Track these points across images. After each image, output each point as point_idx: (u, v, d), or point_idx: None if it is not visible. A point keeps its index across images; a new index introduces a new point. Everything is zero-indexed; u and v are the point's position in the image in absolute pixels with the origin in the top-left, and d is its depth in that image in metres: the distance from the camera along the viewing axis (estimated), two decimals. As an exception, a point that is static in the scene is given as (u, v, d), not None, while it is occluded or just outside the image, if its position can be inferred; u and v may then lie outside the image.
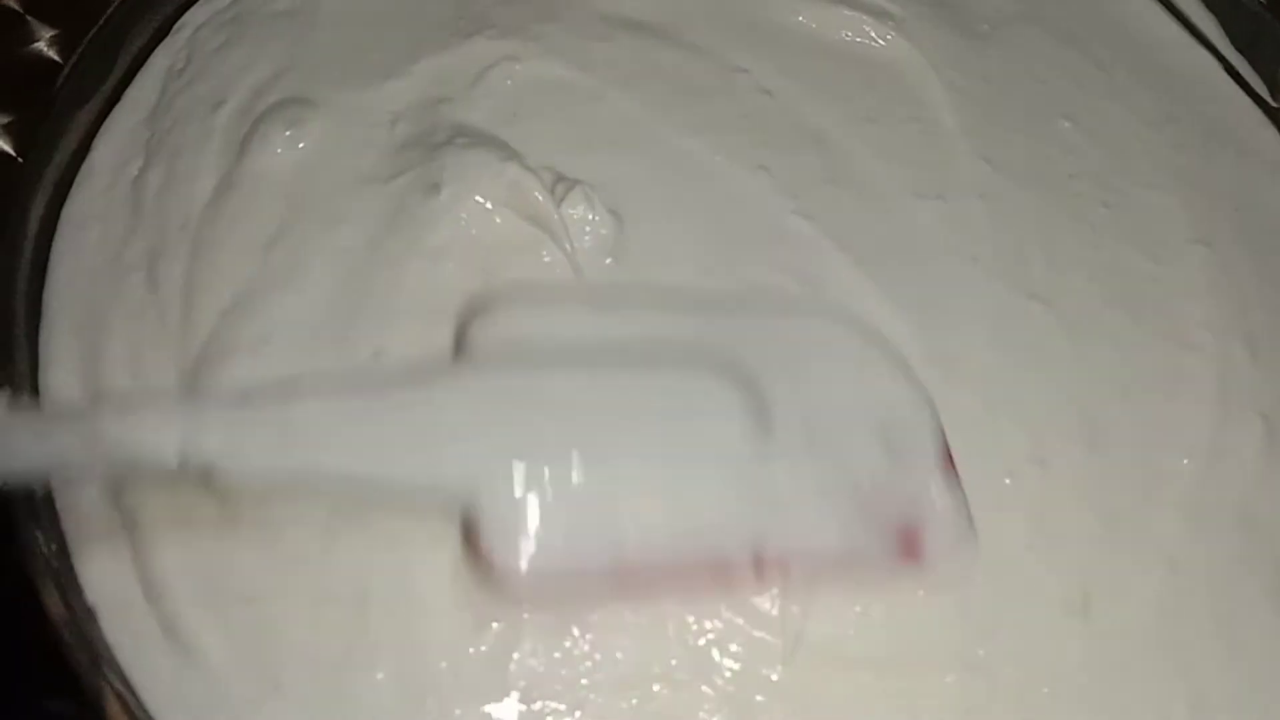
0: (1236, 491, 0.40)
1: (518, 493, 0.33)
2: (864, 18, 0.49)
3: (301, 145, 0.42)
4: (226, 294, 0.38)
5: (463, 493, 0.33)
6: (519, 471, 0.33)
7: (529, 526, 0.33)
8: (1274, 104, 0.50)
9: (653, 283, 0.40)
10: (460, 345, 0.37)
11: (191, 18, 0.46)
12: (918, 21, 0.49)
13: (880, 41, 0.49)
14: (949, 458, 0.37)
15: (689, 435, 0.35)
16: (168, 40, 0.45)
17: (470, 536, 0.34)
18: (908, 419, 0.37)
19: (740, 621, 0.36)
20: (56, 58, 0.55)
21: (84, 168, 0.42)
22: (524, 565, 0.33)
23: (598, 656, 0.35)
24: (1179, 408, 0.42)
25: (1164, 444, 0.41)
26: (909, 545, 0.36)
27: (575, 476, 0.33)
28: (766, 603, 0.36)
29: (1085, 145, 0.48)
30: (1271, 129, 0.50)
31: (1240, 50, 0.52)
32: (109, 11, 0.44)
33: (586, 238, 0.40)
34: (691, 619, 0.36)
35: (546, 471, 0.33)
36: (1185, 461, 0.40)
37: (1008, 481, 0.39)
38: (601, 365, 0.35)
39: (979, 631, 0.37)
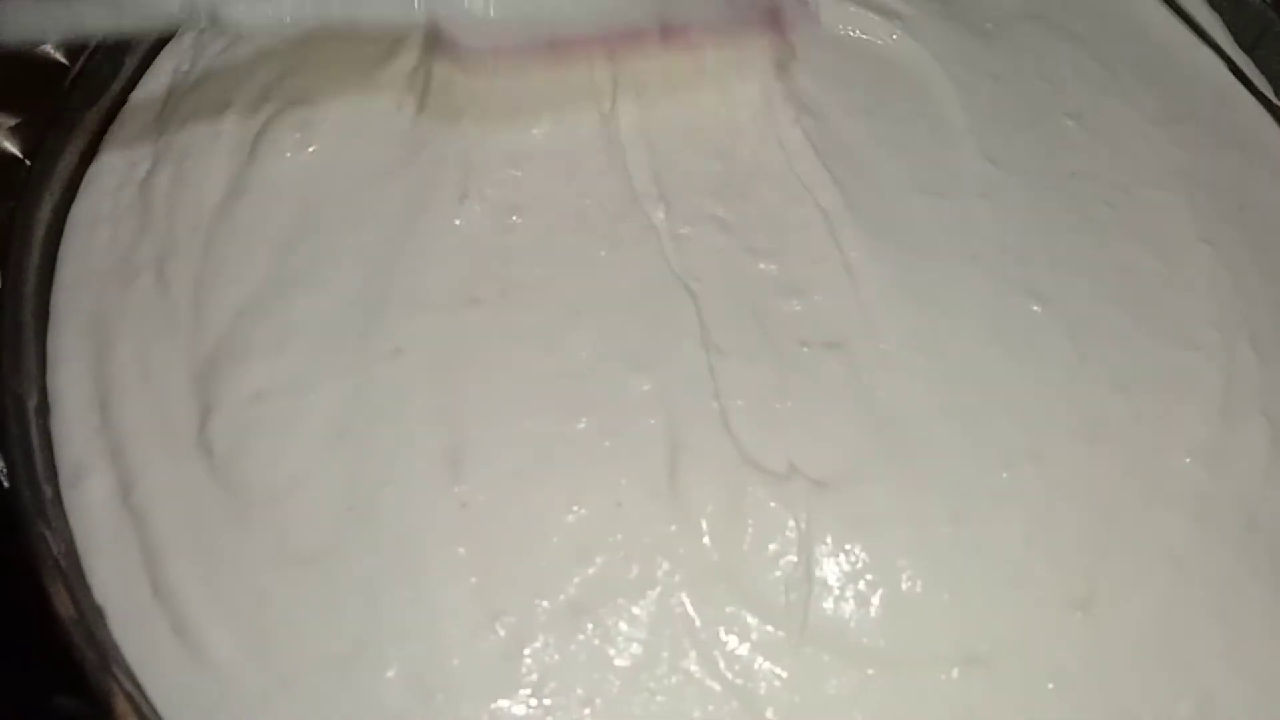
0: (1241, 491, 0.40)
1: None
2: (871, 15, 0.49)
3: (311, 149, 0.42)
4: (241, 295, 0.39)
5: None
6: None
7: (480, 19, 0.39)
8: (1278, 102, 0.51)
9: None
10: None
11: (198, 20, 0.46)
12: (924, 19, 0.50)
13: (887, 39, 0.49)
14: None
15: None
16: (173, 42, 0.46)
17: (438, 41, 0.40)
18: None
19: (747, 616, 0.36)
20: (63, 60, 0.56)
21: (91, 169, 0.43)
22: (484, 43, 0.39)
23: (610, 651, 0.36)
24: (1182, 406, 0.42)
25: (1167, 442, 0.41)
26: (772, 19, 0.45)
27: None
28: (773, 594, 0.36)
29: (1089, 144, 0.48)
30: (1276, 127, 0.50)
31: (1245, 49, 0.52)
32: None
33: None
34: (698, 616, 0.36)
35: None
36: (1188, 460, 0.40)
37: (1005, 475, 0.39)
38: None
39: (980, 626, 0.37)
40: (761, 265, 0.43)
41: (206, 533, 0.35)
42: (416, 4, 0.38)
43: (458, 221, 0.41)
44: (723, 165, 0.45)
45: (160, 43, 0.46)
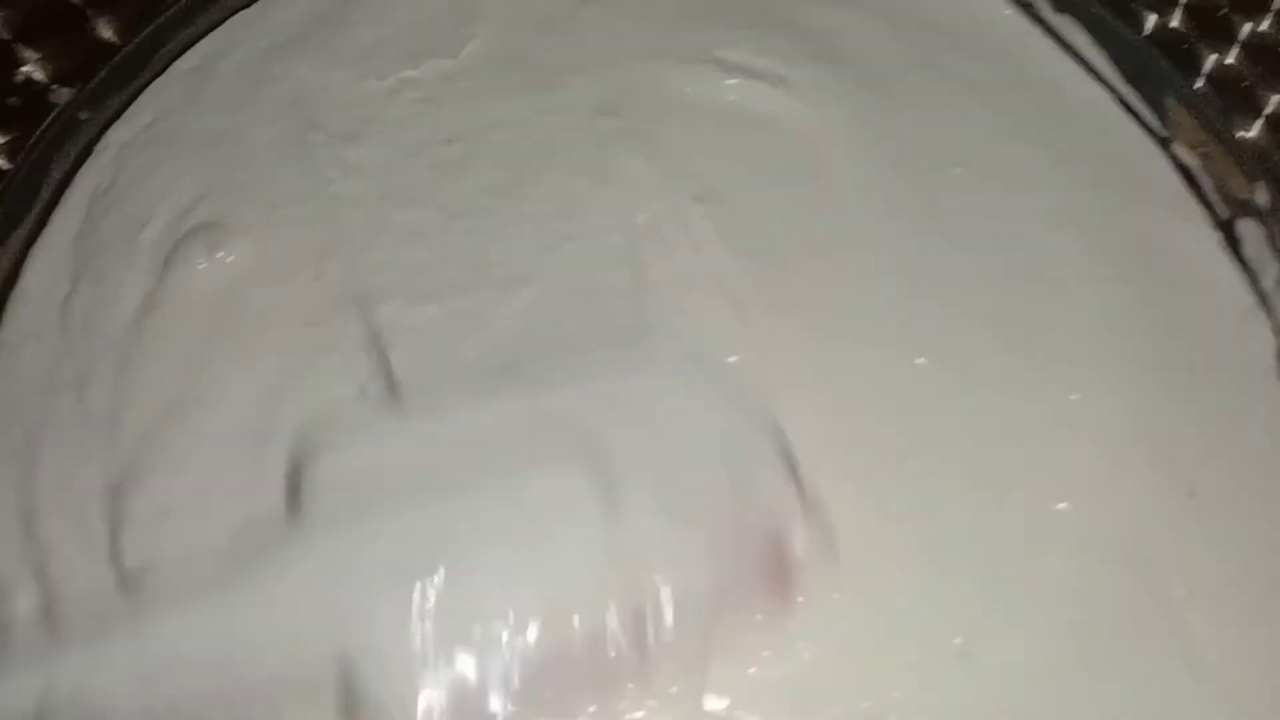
0: (1120, 529, 0.42)
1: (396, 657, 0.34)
2: (754, 83, 0.51)
3: (225, 263, 0.44)
4: (150, 413, 0.41)
5: (335, 665, 0.35)
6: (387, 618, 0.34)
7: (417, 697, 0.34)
8: (1164, 134, 0.52)
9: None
10: (293, 496, 0.39)
11: (115, 137, 0.48)
12: (809, 80, 0.51)
13: (773, 105, 0.51)
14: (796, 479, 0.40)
15: (545, 536, 0.37)
16: (92, 160, 0.48)
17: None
18: (750, 445, 0.40)
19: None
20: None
21: (15, 292, 0.45)
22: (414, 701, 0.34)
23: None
24: (1065, 447, 0.43)
25: (1050, 485, 0.43)
26: (776, 570, 0.39)
27: (444, 617, 0.34)
28: (668, 683, 0.38)
29: (982, 189, 0.50)
30: (1164, 159, 0.52)
31: (1130, 82, 0.53)
32: (36, 135, 0.47)
33: None
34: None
35: (418, 631, 0.34)
36: (1069, 504, 0.42)
37: (893, 533, 0.41)
38: (443, 486, 0.37)
39: (867, 682, 0.39)
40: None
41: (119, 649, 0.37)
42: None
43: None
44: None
45: (79, 161, 0.48)
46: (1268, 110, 0.57)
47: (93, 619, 0.37)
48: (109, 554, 0.39)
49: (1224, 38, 0.58)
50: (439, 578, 0.35)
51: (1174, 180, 0.51)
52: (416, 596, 0.35)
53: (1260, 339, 0.47)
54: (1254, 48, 0.58)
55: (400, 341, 0.42)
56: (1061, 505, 0.42)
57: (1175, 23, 0.59)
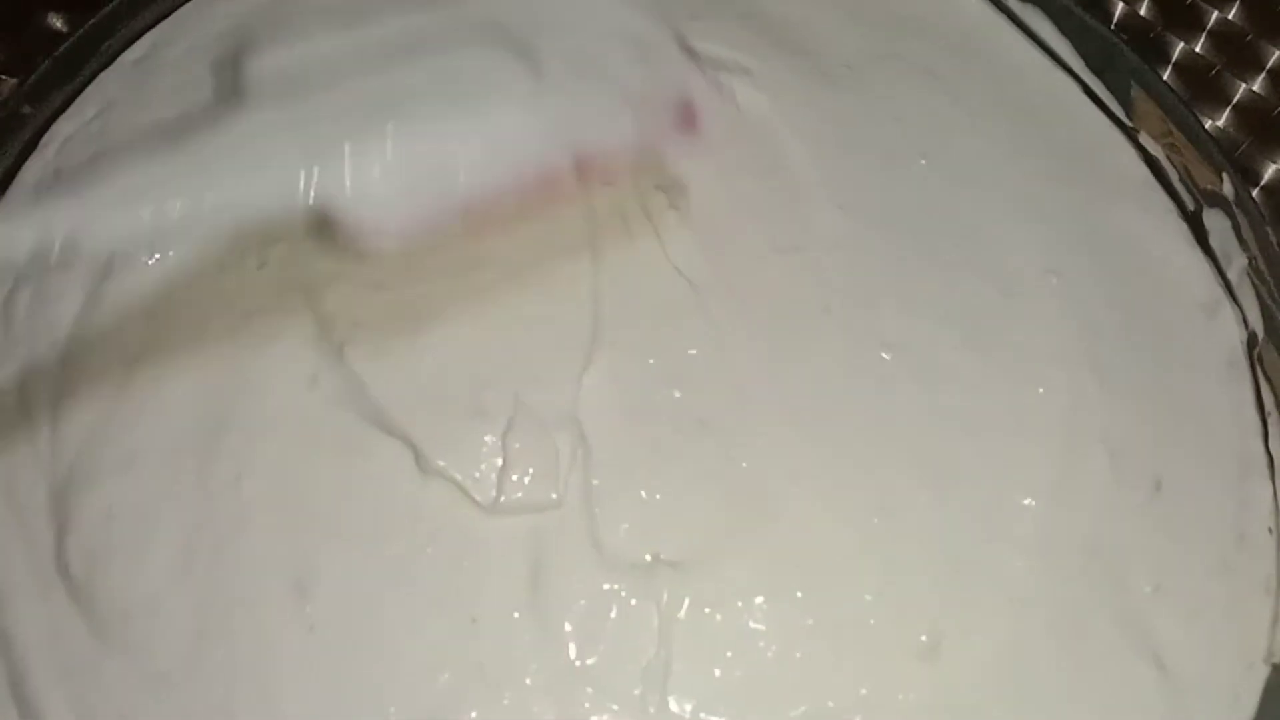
0: (1082, 525, 0.42)
1: (357, 171, 0.37)
2: (717, 75, 0.50)
3: (164, 261, 0.43)
4: (92, 414, 0.40)
5: (307, 194, 0.37)
6: (350, 153, 0.37)
7: (378, 194, 0.37)
8: (1130, 124, 0.52)
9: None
10: (236, 84, 0.39)
11: (59, 130, 0.47)
12: (773, 71, 0.50)
13: (737, 96, 0.50)
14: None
15: (478, 92, 0.39)
16: (36, 154, 0.47)
17: (332, 226, 0.37)
18: (649, 31, 0.44)
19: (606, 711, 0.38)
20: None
21: (-46, 294, 0.44)
22: (387, 224, 0.38)
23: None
24: (1027, 446, 0.43)
25: (1010, 482, 0.42)
26: (685, 117, 0.45)
27: (394, 146, 0.37)
28: (630, 686, 0.38)
29: (941, 182, 0.49)
30: (1129, 149, 0.51)
31: (1095, 72, 0.53)
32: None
33: None
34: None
35: (372, 147, 0.37)
36: (1030, 500, 0.42)
37: (853, 533, 0.41)
38: (381, 63, 0.39)
39: (830, 685, 0.38)
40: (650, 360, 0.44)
41: (69, 655, 0.36)
42: (302, 189, 0.36)
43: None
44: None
45: (24, 154, 0.47)
46: (1236, 98, 0.57)
47: None
48: (55, 561, 0.38)
49: (1192, 26, 0.58)
50: (390, 129, 0.37)
51: (1141, 171, 0.51)
52: (374, 143, 0.37)
53: (1226, 331, 0.47)
54: (1222, 35, 0.58)
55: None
56: (1026, 501, 0.42)
57: (1143, 10, 0.58)
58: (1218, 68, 0.57)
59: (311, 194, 0.36)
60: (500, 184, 0.39)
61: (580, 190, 0.42)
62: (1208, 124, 0.55)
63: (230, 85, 0.40)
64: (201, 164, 0.36)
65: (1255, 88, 0.57)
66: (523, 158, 0.40)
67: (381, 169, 0.37)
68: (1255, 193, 0.54)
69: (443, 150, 0.38)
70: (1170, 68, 0.57)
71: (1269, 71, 0.57)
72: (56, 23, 0.55)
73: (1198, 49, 0.58)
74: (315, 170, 0.36)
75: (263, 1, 0.50)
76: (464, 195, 0.39)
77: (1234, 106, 0.56)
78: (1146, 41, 0.58)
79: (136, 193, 0.35)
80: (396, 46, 0.40)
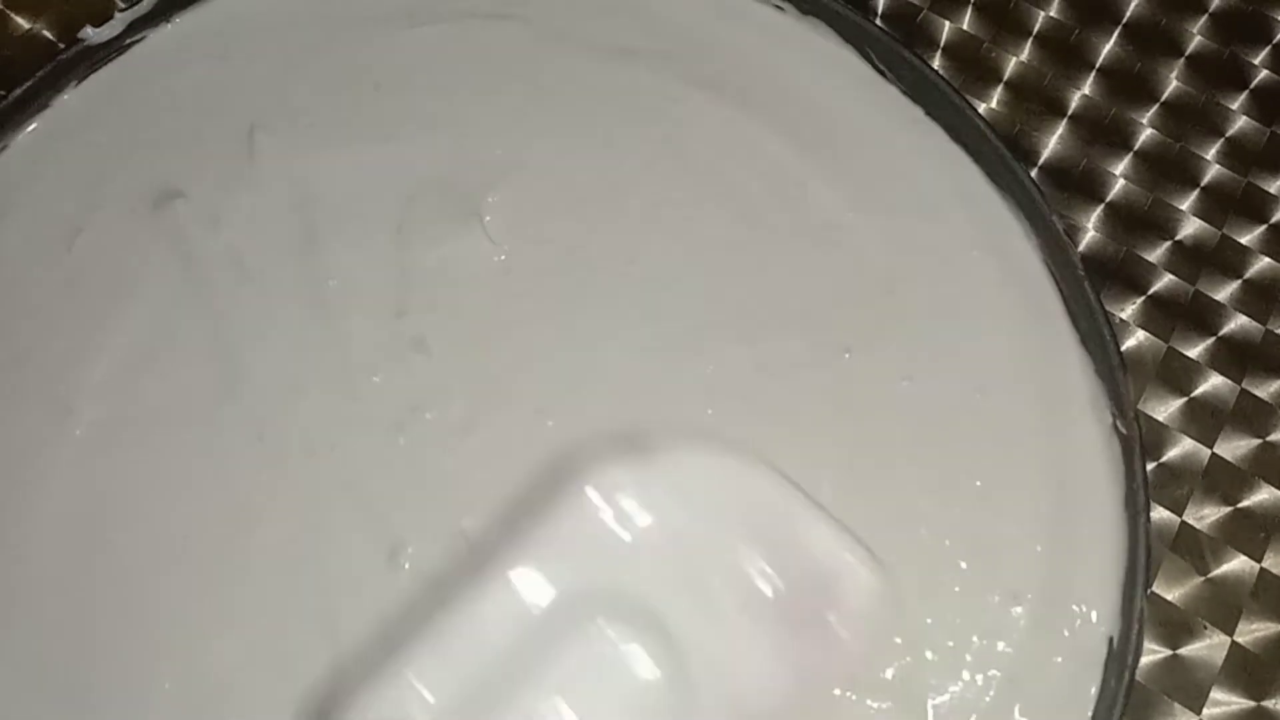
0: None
1: None
2: None
3: None
4: None
5: None
6: None
7: None
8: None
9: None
10: None
11: None
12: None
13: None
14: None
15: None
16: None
17: None
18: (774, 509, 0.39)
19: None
20: None
21: None
22: None
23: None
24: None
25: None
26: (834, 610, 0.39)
27: None
28: None
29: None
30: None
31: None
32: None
33: None
34: None
35: None
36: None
37: None
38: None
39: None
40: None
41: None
42: None
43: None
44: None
45: None
46: (1007, 76, 0.57)
47: None
48: None
49: (958, 3, 0.58)
50: None
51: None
52: None
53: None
54: (989, 8, 0.58)
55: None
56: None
57: (906, -4, 0.57)
58: (987, 42, 0.57)
59: None
60: None
61: None
62: (981, 107, 0.55)
63: None
64: None
65: (1023, 57, 0.57)
66: None
67: None
68: (1034, 173, 0.54)
69: None
70: (940, 52, 0.57)
71: (1035, 36, 0.57)
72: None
73: (965, 26, 0.57)
74: None
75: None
76: None
77: (1005, 83, 0.56)
78: (913, 27, 0.57)
79: None
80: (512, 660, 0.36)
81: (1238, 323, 0.52)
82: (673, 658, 0.36)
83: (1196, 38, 0.57)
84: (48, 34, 0.54)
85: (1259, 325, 0.52)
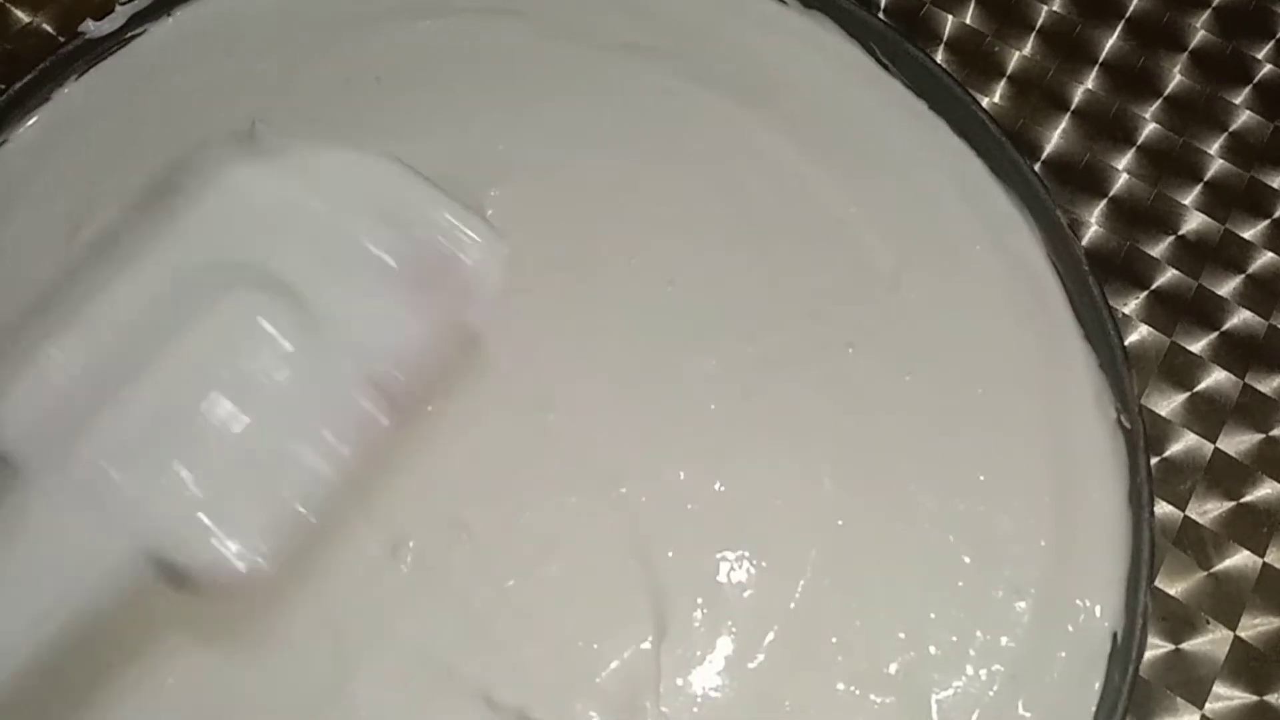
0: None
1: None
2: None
3: None
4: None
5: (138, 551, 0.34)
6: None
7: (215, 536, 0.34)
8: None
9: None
10: None
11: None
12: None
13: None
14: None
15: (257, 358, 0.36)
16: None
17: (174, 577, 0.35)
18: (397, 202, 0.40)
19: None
20: None
21: None
22: (242, 566, 0.34)
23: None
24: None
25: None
26: (458, 285, 0.39)
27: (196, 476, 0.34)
28: None
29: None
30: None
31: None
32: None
33: None
34: None
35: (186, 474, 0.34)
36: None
37: None
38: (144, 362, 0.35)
39: None
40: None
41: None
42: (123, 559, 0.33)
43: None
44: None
45: None
46: (1010, 70, 0.57)
47: None
48: None
49: (959, -1, 0.57)
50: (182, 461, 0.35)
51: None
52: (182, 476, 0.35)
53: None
54: (992, 3, 0.57)
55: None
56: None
57: (910, -10, 0.57)
58: (989, 37, 0.57)
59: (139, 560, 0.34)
60: (336, 459, 0.36)
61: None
62: (984, 102, 0.55)
63: None
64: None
65: (1026, 51, 0.57)
66: (340, 418, 0.37)
67: (202, 506, 0.34)
68: (1037, 167, 0.54)
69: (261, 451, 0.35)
70: (943, 46, 0.56)
71: (1039, 31, 0.57)
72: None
73: (968, 20, 0.57)
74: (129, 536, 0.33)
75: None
76: (302, 495, 0.36)
77: (1008, 78, 0.56)
78: (916, 21, 0.57)
79: None
80: (150, 331, 0.36)
81: (1241, 318, 0.52)
82: (307, 323, 0.37)
83: (1200, 32, 0.57)
84: (48, 27, 0.54)
85: (1262, 320, 0.52)
